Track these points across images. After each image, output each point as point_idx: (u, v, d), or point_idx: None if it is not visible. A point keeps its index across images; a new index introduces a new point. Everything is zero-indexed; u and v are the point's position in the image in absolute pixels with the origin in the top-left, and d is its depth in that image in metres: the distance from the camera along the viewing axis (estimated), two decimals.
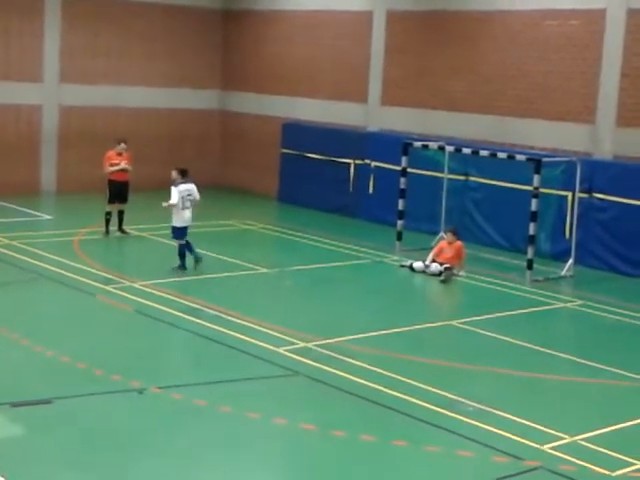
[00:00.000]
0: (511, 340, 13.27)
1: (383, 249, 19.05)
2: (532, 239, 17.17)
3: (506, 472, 8.93)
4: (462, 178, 20.31)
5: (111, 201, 19.18)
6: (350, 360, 11.92)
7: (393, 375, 11.38)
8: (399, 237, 19.21)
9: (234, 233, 20.53)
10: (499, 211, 19.65)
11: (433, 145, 19.21)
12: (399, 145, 19.60)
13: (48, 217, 21.51)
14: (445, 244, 17.52)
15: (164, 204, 16.38)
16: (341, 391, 10.89)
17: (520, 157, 17.57)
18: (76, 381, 10.73)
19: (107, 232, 19.09)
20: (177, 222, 16.42)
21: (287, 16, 25.21)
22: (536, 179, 16.95)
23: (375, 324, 13.70)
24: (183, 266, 16.25)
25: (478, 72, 20.86)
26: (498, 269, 17.73)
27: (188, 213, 16.47)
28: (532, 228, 17.15)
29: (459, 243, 17.46)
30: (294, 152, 24.24)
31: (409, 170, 19.39)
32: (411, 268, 17.32)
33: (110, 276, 15.74)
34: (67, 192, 24.14)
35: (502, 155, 17.84)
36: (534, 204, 17.05)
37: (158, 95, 25.78)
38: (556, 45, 19.54)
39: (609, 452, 9.42)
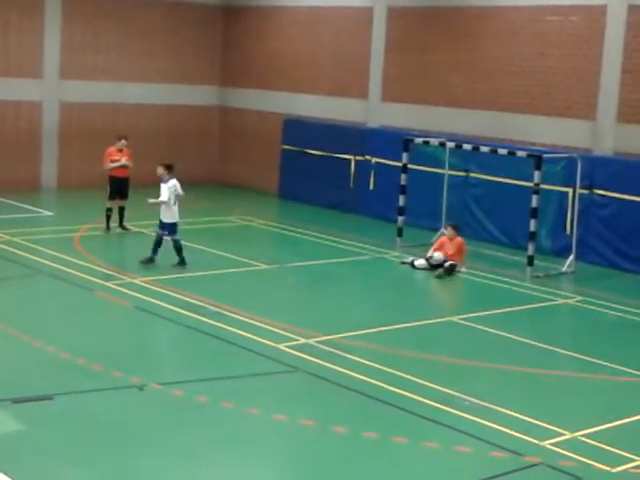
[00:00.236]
0: (511, 336, 13.27)
1: (384, 245, 19.05)
2: (533, 235, 17.16)
3: (506, 468, 8.93)
4: (463, 174, 20.30)
5: (112, 197, 19.18)
6: (350, 356, 11.92)
7: (393, 371, 11.38)
8: (400, 233, 19.20)
9: (234, 229, 20.52)
10: (500, 207, 19.64)
11: (434, 141, 19.20)
12: (400, 141, 19.58)
13: (49, 213, 21.51)
14: (446, 239, 17.50)
15: (150, 200, 16.26)
16: (341, 387, 10.89)
17: (521, 153, 17.56)
18: (76, 377, 10.73)
19: (108, 228, 19.08)
20: (168, 218, 16.20)
21: (287, 12, 25.18)
22: (537, 175, 16.94)
23: (376, 320, 13.70)
24: (183, 261, 16.18)
25: (479, 68, 20.85)
26: (498, 265, 17.72)
27: (176, 209, 16.35)
28: (533, 224, 17.14)
29: (460, 239, 17.45)
30: (294, 148, 24.22)
31: (410, 166, 19.37)
32: (412, 265, 17.29)
33: (110, 272, 15.73)
34: (67, 188, 24.15)
35: (503, 151, 17.82)
36: (535, 200, 17.03)
37: (158, 91, 25.76)
38: (557, 41, 19.52)
39: (610, 448, 9.41)
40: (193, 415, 9.82)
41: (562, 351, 12.82)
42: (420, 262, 17.26)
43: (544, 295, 15.86)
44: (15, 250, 16.92)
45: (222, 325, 13.01)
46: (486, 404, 10.46)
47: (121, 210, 19.16)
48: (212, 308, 13.82)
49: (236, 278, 16.04)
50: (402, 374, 11.29)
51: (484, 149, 18.04)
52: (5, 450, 8.71)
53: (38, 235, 18.45)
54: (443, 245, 17.39)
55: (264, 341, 12.39)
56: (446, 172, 19.95)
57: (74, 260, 16.34)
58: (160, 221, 16.30)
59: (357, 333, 12.99)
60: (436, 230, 19.43)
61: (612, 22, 18.61)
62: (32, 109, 24.08)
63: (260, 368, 11.50)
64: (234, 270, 16.47)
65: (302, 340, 12.54)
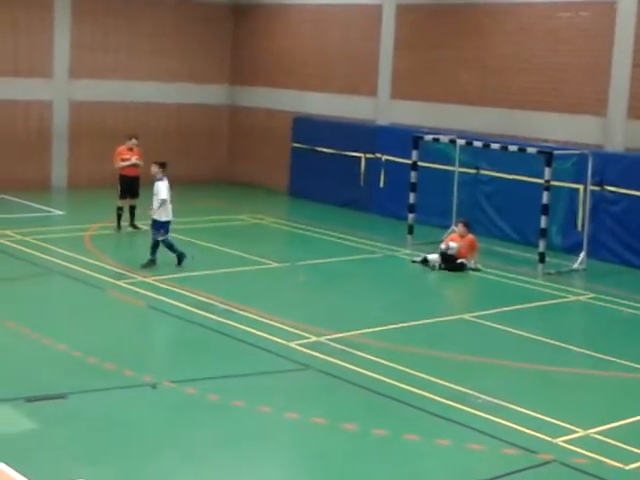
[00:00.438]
0: (523, 333, 13.24)
1: (394, 243, 19.02)
2: (544, 232, 17.12)
3: (519, 465, 8.91)
4: (473, 171, 20.25)
5: (122, 196, 19.20)
6: (362, 354, 11.90)
7: (405, 369, 11.36)
8: (410, 231, 19.18)
9: (245, 228, 20.53)
10: (510, 204, 19.59)
11: (444, 138, 19.16)
12: (410, 138, 19.54)
13: (59, 212, 21.55)
14: (456, 236, 17.45)
15: (152, 211, 15.86)
16: (353, 385, 10.88)
17: (531, 150, 17.51)
18: (88, 376, 10.74)
19: (119, 227, 19.11)
20: (163, 216, 15.98)
21: (296, 10, 25.17)
22: (547, 172, 16.90)
23: (387, 318, 13.68)
24: (181, 255, 16.02)
25: (489, 65, 20.80)
26: (510, 262, 17.68)
27: (171, 207, 16.15)
28: (544, 221, 17.10)
29: (471, 237, 17.40)
30: (304, 146, 24.21)
31: (420, 164, 19.35)
32: (424, 261, 17.17)
33: (122, 271, 15.75)
34: (78, 187, 24.19)
35: (513, 148, 17.78)
36: (545, 197, 16.99)
37: (167, 90, 25.78)
38: (567, 37, 19.46)
39: (623, 445, 9.38)
40: (205, 413, 9.83)
41: (574, 348, 12.78)
42: (433, 257, 17.14)
43: (556, 292, 15.81)
44: (26, 249, 16.96)
45: (233, 323, 13.01)
46: (498, 401, 10.44)
47: (132, 209, 19.18)
48: (223, 306, 13.82)
49: (247, 276, 16.04)
50: (413, 371, 11.28)
51: (494, 146, 18.00)
52: (19, 449, 8.73)
53: (49, 234, 18.49)
54: (453, 241, 17.32)
55: (275, 339, 12.39)
56: (456, 169, 19.90)
57: (85, 259, 16.37)
58: (154, 221, 15.97)
59: (368, 331, 12.98)
60: (447, 227, 19.36)
61: (622, 17, 18.54)
62: (42, 109, 24.12)
63: (271, 366, 11.50)
64: (245, 268, 16.48)
65: (313, 338, 12.54)
